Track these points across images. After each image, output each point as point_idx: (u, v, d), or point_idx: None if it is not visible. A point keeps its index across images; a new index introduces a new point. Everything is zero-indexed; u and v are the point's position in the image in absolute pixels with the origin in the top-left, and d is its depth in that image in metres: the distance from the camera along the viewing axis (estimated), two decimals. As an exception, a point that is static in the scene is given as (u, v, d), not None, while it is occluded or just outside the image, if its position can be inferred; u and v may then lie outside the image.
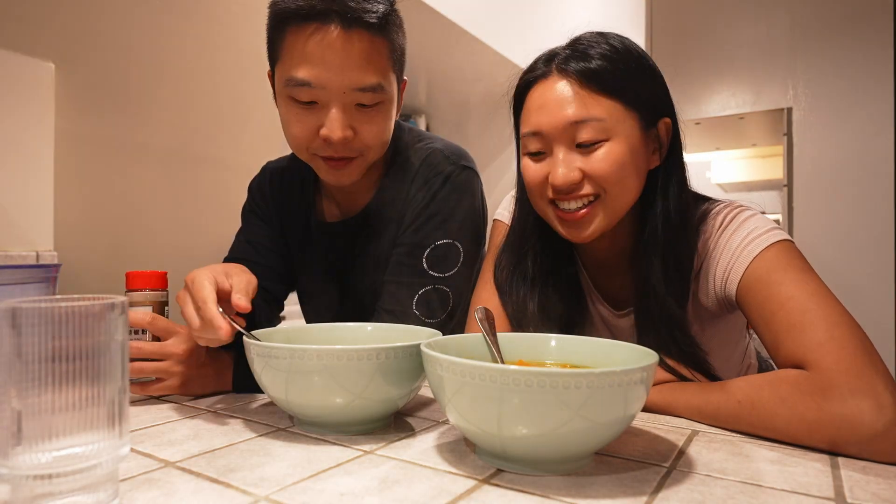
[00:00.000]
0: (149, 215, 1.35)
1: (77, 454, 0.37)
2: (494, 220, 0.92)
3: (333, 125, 0.79)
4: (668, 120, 0.74)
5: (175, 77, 1.40)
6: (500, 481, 0.47)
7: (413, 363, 0.58)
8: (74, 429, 0.38)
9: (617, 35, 0.74)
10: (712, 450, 0.55)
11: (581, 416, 0.44)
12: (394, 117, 0.87)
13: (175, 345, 0.74)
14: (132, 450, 0.55)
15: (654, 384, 0.68)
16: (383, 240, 0.93)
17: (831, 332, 0.58)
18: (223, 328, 0.62)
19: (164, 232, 1.38)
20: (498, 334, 0.65)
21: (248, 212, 1.05)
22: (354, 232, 0.96)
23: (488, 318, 0.66)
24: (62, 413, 0.37)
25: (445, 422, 0.65)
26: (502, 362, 0.61)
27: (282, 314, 1.11)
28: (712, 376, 0.69)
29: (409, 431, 0.61)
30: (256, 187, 1.06)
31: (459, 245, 0.89)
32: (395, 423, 0.64)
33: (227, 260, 1.00)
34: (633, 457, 0.53)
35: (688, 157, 0.77)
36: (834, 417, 0.53)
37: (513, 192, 0.87)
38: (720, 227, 0.73)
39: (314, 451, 0.54)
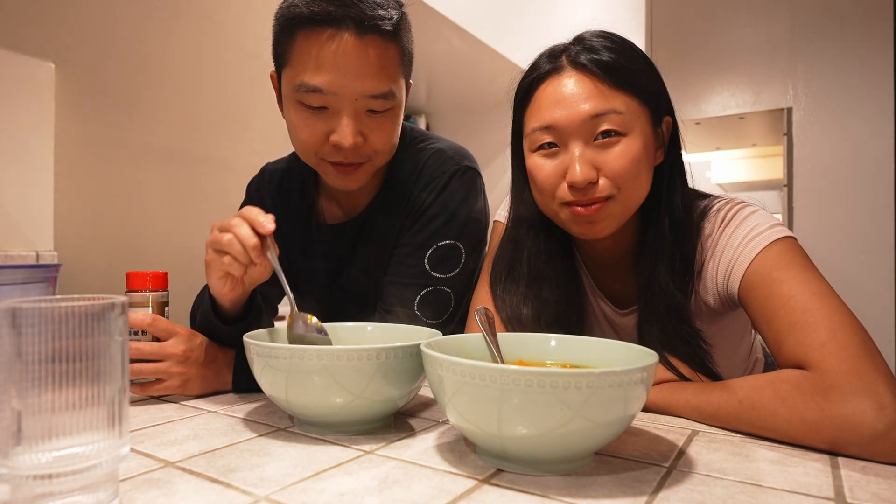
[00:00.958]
0: (149, 215, 1.35)
1: (77, 454, 0.37)
2: (495, 222, 0.92)
3: (345, 132, 0.78)
4: (668, 118, 0.75)
5: (175, 77, 1.40)
6: (500, 481, 0.47)
7: (413, 363, 0.58)
8: (74, 429, 0.38)
9: (617, 34, 0.74)
10: (712, 450, 0.55)
11: (581, 416, 0.44)
12: (401, 121, 0.87)
13: (174, 345, 0.74)
14: (132, 450, 0.55)
15: (654, 384, 0.68)
16: (385, 240, 0.93)
17: (833, 333, 0.58)
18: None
19: (165, 232, 1.38)
20: (498, 334, 0.64)
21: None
22: (356, 233, 0.96)
23: (488, 318, 0.66)
24: (62, 413, 0.37)
25: (445, 422, 0.65)
26: (502, 362, 0.61)
27: (278, 315, 1.11)
28: (714, 374, 0.69)
29: (409, 431, 0.61)
30: (255, 189, 1.06)
31: (462, 246, 0.89)
32: (395, 423, 0.64)
33: None
34: (633, 457, 0.53)
35: (688, 157, 0.77)
36: (835, 418, 0.53)
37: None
38: (721, 223, 0.72)
39: (314, 451, 0.54)
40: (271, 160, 1.10)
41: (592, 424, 0.45)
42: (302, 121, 0.81)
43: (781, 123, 3.26)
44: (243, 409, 0.70)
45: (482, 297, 0.84)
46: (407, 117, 3.07)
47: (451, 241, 0.88)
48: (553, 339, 0.64)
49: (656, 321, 0.71)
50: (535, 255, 0.80)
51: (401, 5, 0.82)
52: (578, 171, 0.68)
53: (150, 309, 0.78)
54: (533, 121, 0.73)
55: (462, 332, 0.87)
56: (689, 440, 0.58)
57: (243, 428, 0.62)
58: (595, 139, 0.69)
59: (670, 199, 0.73)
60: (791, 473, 0.49)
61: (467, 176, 0.91)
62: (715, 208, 0.75)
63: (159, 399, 0.76)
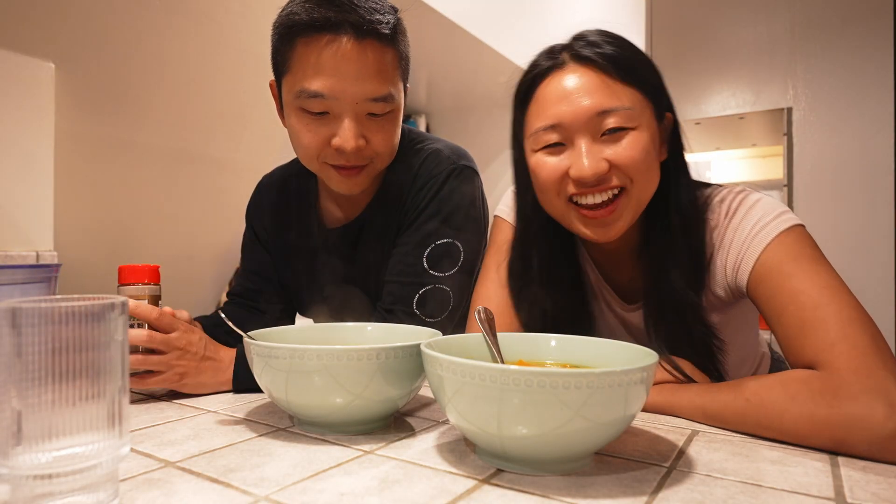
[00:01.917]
0: (149, 215, 1.35)
1: (77, 454, 0.37)
2: (495, 217, 0.91)
3: (347, 135, 0.80)
4: (669, 115, 0.74)
5: (175, 77, 1.40)
6: (500, 481, 0.47)
7: (413, 363, 0.58)
8: (74, 429, 0.38)
9: (614, 32, 0.74)
10: (712, 450, 0.55)
11: (581, 416, 0.44)
12: (401, 124, 0.88)
13: (177, 339, 0.74)
14: (132, 450, 0.55)
15: (654, 384, 0.68)
16: (385, 240, 0.93)
17: (844, 331, 0.57)
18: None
19: (164, 232, 1.38)
20: (498, 334, 0.64)
21: (248, 241, 1.07)
22: (356, 234, 0.96)
23: (488, 318, 0.66)
24: (62, 413, 0.37)
25: (445, 422, 0.65)
26: (502, 362, 0.61)
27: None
28: (718, 374, 0.68)
29: (409, 431, 0.61)
30: (253, 210, 1.07)
31: (460, 244, 0.89)
32: (395, 423, 0.64)
33: (231, 293, 1.06)
34: (633, 457, 0.53)
35: (688, 157, 0.77)
36: (844, 417, 0.53)
37: (513, 188, 0.85)
38: (727, 215, 0.71)
39: (314, 451, 0.54)
40: (270, 160, 1.10)
41: (592, 424, 0.45)
42: (304, 126, 0.81)
43: (781, 123, 3.26)
44: (243, 409, 0.70)
45: (483, 295, 0.84)
46: (407, 117, 3.08)
47: (449, 240, 0.88)
48: (553, 339, 0.64)
49: (667, 320, 0.70)
50: (546, 257, 0.79)
51: (396, 11, 0.83)
52: (587, 164, 0.66)
53: (146, 302, 0.78)
54: (536, 120, 0.71)
55: (463, 331, 0.86)
56: (690, 440, 0.58)
57: (243, 428, 0.62)
58: (602, 135, 0.68)
59: (677, 195, 0.72)
60: (791, 473, 0.49)
61: (464, 175, 0.92)
62: (718, 198, 0.74)
63: (159, 399, 0.76)
